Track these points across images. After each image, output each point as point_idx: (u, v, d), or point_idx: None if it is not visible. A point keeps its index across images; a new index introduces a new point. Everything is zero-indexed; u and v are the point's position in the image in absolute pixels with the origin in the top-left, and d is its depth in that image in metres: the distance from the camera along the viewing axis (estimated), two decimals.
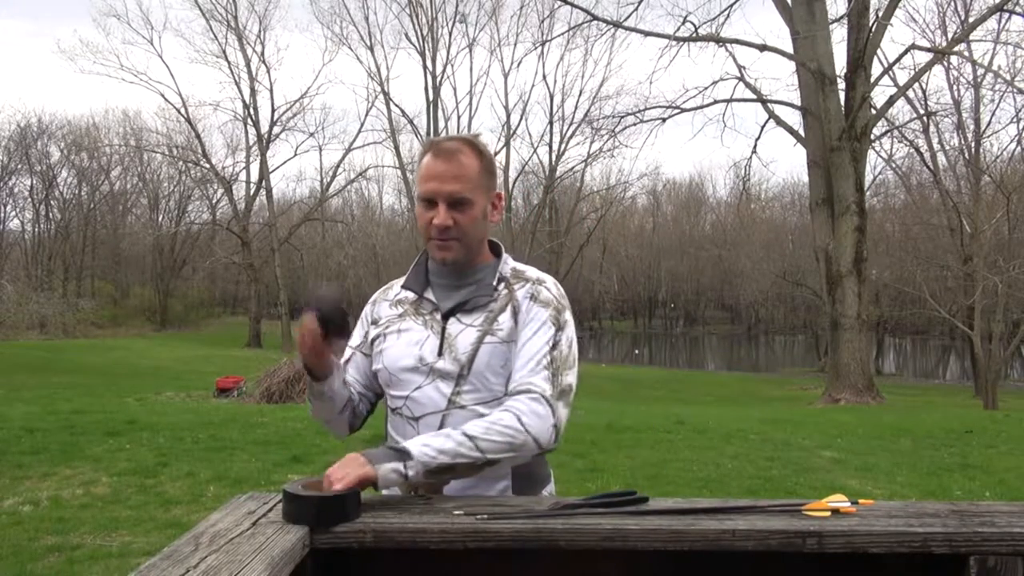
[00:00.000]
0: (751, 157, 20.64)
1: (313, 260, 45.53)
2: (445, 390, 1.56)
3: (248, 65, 35.45)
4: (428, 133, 34.16)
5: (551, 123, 35.35)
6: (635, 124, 20.75)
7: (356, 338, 1.70)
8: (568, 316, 1.60)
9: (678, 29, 19.09)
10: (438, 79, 34.47)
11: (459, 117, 35.60)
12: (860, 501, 1.35)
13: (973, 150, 25.49)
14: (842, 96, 17.07)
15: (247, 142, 37.64)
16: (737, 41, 18.82)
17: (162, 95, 43.89)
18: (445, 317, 1.59)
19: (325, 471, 1.37)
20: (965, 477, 6.40)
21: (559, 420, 1.50)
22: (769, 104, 18.93)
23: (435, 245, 1.58)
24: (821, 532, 1.23)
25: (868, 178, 25.04)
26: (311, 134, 48.85)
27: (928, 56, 20.01)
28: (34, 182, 42.57)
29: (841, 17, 18.14)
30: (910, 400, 18.69)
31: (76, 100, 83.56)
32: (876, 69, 18.33)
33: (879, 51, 18.62)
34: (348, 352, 1.69)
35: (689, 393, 21.71)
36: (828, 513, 1.30)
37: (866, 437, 8.45)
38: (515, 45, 46.23)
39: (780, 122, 18.74)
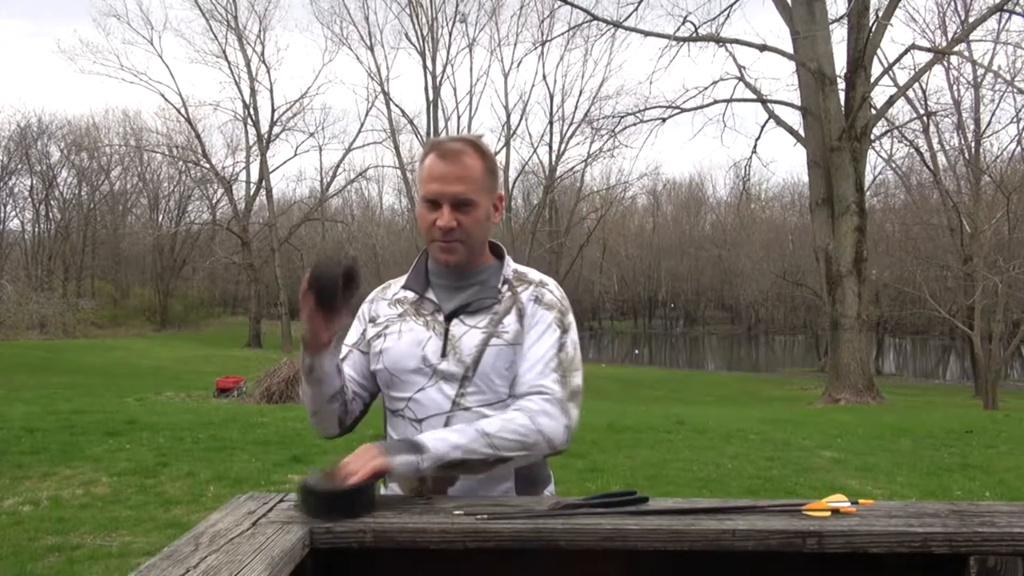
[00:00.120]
0: (751, 157, 20.69)
1: (313, 260, 45.36)
2: (449, 392, 1.55)
3: (248, 65, 35.52)
4: (428, 133, 34.17)
5: (551, 123, 35.44)
6: (635, 124, 20.77)
7: (353, 336, 1.69)
8: (571, 319, 1.61)
9: (678, 29, 19.13)
10: (438, 79, 34.51)
11: (459, 117, 35.66)
12: (860, 501, 1.35)
13: (973, 150, 25.50)
14: (842, 96, 17.07)
15: (247, 142, 37.72)
16: (737, 41, 18.85)
17: (162, 95, 43.96)
18: (448, 318, 1.58)
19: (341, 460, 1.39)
20: (965, 477, 6.40)
21: (571, 421, 1.52)
22: (769, 104, 18.95)
23: (438, 247, 1.56)
24: (821, 532, 1.23)
25: (868, 178, 25.09)
26: (311, 134, 48.90)
27: (928, 56, 20.03)
28: (34, 182, 42.64)
29: (841, 17, 18.15)
30: (910, 400, 18.69)
31: (76, 100, 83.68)
32: (876, 69, 18.37)
33: (879, 51, 18.64)
34: (345, 350, 1.67)
35: (689, 393, 21.71)
36: (828, 513, 1.30)
37: (866, 437, 8.45)
38: (515, 45, 46.32)
39: (780, 122, 18.75)
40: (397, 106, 35.79)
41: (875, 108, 18.19)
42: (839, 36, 18.46)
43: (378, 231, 47.77)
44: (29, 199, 42.93)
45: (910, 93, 22.06)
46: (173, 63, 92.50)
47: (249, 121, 36.41)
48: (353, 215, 50.41)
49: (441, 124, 34.39)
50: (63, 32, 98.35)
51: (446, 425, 1.53)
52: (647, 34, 19.66)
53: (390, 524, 1.27)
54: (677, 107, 19.43)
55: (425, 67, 34.30)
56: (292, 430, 7.83)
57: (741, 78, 19.02)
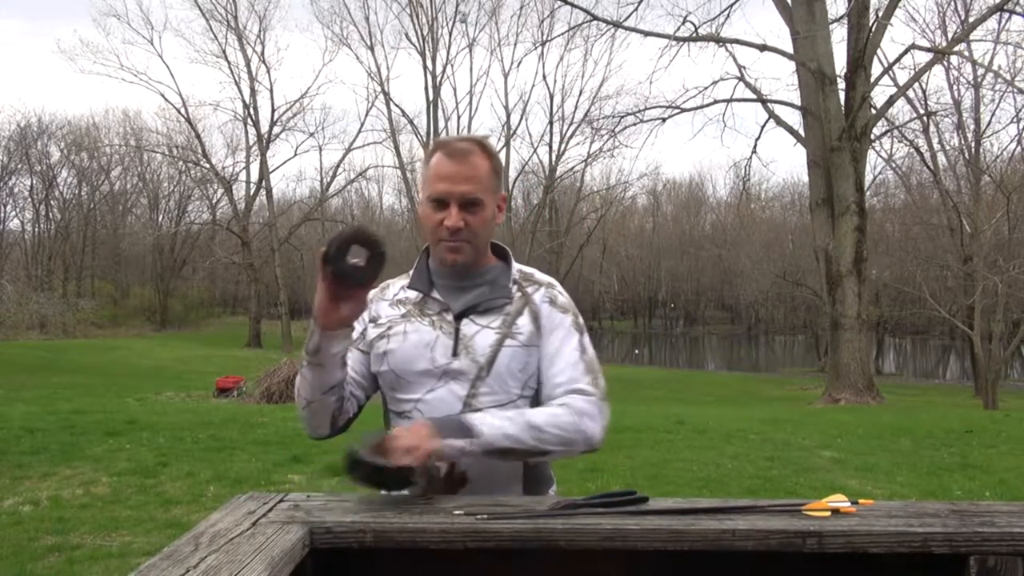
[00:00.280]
0: (751, 157, 20.65)
1: (313, 260, 45.43)
2: (460, 392, 1.54)
3: (248, 65, 35.53)
4: (428, 133, 34.19)
5: (551, 123, 35.43)
6: (635, 124, 20.75)
7: (353, 334, 1.67)
8: (581, 320, 1.64)
9: (678, 29, 19.12)
10: (438, 79, 34.50)
11: (459, 117, 35.65)
12: (860, 501, 1.35)
13: (973, 150, 25.49)
14: (842, 96, 17.06)
15: (247, 142, 37.72)
16: (737, 41, 18.83)
17: (162, 95, 44.05)
18: (458, 318, 1.57)
19: (391, 431, 1.44)
20: (965, 477, 6.40)
21: (607, 422, 1.54)
22: (769, 104, 18.94)
23: (445, 247, 1.55)
24: (821, 532, 1.23)
25: (868, 178, 25.05)
26: (311, 134, 48.86)
27: (928, 56, 20.02)
28: (34, 182, 42.65)
29: (841, 17, 18.14)
30: (910, 400, 18.68)
31: (76, 100, 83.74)
32: (876, 69, 18.35)
33: (879, 51, 18.63)
34: None
35: (689, 393, 21.70)
36: (828, 513, 1.30)
37: (866, 437, 8.45)
38: (515, 45, 46.33)
39: (780, 122, 18.75)
40: (397, 106, 35.85)
41: (875, 108, 18.19)
42: (839, 36, 18.49)
43: (378, 231, 47.53)
44: (29, 199, 43.00)
45: (910, 93, 22.07)
46: (173, 63, 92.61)
47: (249, 121, 36.43)
48: (353, 215, 50.37)
49: (441, 124, 34.41)
50: (63, 32, 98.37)
51: None
52: (647, 34, 19.66)
53: (390, 524, 1.27)
54: (677, 107, 19.42)
55: (425, 67, 34.33)
56: (292, 430, 7.83)
57: (741, 78, 19.03)
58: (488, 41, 49.19)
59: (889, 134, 24.03)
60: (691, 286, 57.56)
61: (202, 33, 62.13)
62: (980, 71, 23.68)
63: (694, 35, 18.93)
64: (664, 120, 19.74)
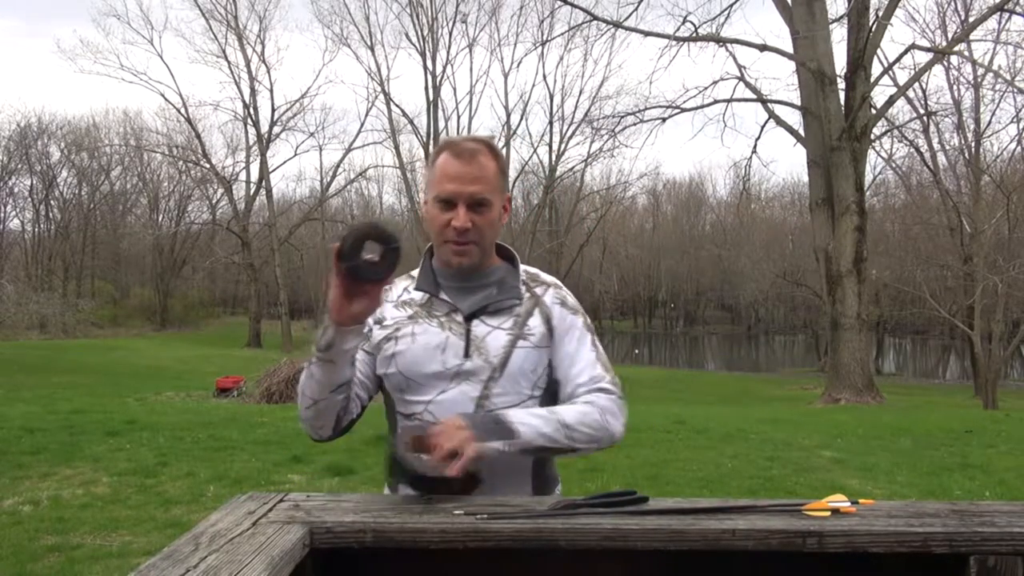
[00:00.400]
0: (751, 157, 20.68)
1: (313, 260, 45.55)
2: (472, 393, 1.53)
3: (248, 65, 35.54)
4: (428, 133, 34.20)
5: (551, 123, 35.37)
6: (635, 124, 20.76)
7: (365, 331, 1.66)
8: (589, 320, 1.67)
9: (678, 29, 19.12)
10: (438, 79, 34.48)
11: (459, 117, 35.62)
12: (860, 501, 1.35)
13: (973, 150, 25.48)
14: (842, 96, 17.07)
15: (247, 142, 37.73)
16: (737, 41, 18.84)
17: (162, 95, 44.23)
18: (467, 319, 1.57)
19: (429, 429, 1.41)
20: (965, 477, 6.41)
21: (626, 417, 1.58)
22: (769, 104, 18.94)
23: (452, 248, 1.54)
24: (821, 532, 1.23)
25: (868, 178, 25.07)
26: (311, 134, 48.69)
27: (928, 56, 20.02)
28: (34, 182, 42.63)
29: (841, 17, 18.15)
30: (910, 400, 18.68)
31: (76, 100, 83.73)
32: (876, 69, 18.36)
33: (879, 51, 18.63)
34: None
35: (689, 393, 21.70)
36: (828, 513, 1.30)
37: (866, 437, 8.45)
38: (515, 45, 46.47)
39: (780, 122, 18.75)
40: (397, 106, 35.79)
41: (875, 108, 18.19)
42: (839, 36, 18.50)
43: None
44: (29, 199, 42.99)
45: (910, 93, 22.09)
46: (173, 63, 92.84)
47: (249, 121, 36.44)
48: (353, 215, 50.36)
49: (441, 124, 34.41)
50: (63, 32, 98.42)
51: None
52: (647, 34, 19.66)
53: (390, 524, 1.26)
54: (677, 107, 19.43)
55: (425, 67, 34.32)
56: (292, 430, 7.83)
57: (741, 78, 19.03)
58: (488, 41, 49.37)
59: (889, 134, 24.07)
60: (691, 286, 57.58)
61: (202, 33, 62.07)
62: (980, 71, 23.69)
63: (694, 35, 18.93)
64: (664, 120, 19.76)
